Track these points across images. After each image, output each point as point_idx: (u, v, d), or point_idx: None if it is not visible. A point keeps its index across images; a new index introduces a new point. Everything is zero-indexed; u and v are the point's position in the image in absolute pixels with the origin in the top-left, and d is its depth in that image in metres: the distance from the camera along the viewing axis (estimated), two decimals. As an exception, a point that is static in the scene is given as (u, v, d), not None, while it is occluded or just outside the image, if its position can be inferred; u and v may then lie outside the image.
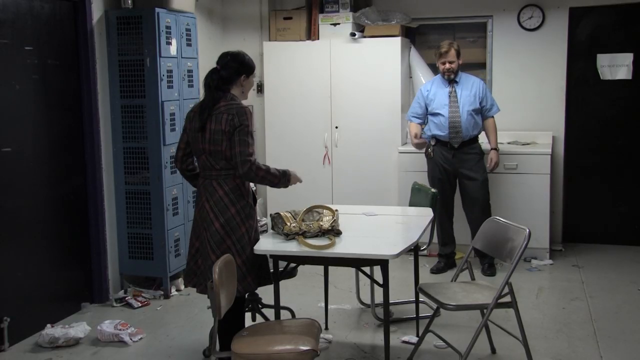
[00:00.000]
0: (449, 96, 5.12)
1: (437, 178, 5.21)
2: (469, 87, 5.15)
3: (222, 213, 3.32)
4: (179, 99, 4.85)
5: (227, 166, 3.33)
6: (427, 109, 5.23)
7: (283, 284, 3.60)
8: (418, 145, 5.35)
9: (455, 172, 5.19)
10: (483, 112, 5.18)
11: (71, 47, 4.50)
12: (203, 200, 3.38)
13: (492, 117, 5.22)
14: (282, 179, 3.43)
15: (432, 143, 5.22)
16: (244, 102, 3.46)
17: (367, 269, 3.65)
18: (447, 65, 5.09)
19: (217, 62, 3.42)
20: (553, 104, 5.92)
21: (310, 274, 4.98)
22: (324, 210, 3.65)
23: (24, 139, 4.13)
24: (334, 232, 3.43)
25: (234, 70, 3.39)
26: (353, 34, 5.84)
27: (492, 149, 5.23)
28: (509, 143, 5.78)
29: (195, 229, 3.46)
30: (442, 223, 5.30)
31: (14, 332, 3.97)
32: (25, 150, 4.13)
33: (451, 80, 5.15)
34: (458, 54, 5.11)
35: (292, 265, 3.58)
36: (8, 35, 3.95)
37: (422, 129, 5.36)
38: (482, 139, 5.29)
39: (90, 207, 4.65)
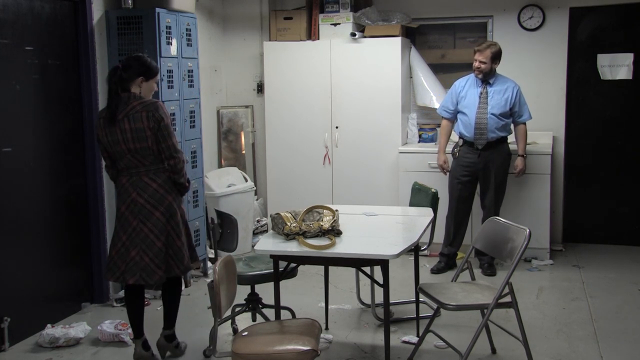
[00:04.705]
0: (480, 96, 5.10)
1: (457, 182, 5.18)
2: (502, 91, 5.09)
3: (160, 203, 3.50)
4: (179, 99, 4.85)
5: (156, 160, 3.49)
6: (457, 104, 5.22)
7: (283, 284, 3.60)
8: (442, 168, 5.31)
9: (477, 174, 5.15)
10: (514, 118, 5.15)
11: (71, 47, 4.50)
12: (134, 195, 3.50)
13: (524, 124, 5.18)
14: (188, 183, 3.65)
15: (460, 144, 5.21)
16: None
17: (367, 269, 3.64)
18: (477, 64, 5.05)
19: (120, 62, 3.58)
20: (553, 104, 5.92)
21: (310, 274, 4.99)
22: (324, 211, 3.65)
23: (24, 139, 4.12)
24: (334, 232, 3.43)
25: (134, 70, 3.52)
26: (353, 34, 5.83)
27: (519, 155, 5.20)
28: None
29: (123, 224, 3.53)
30: (460, 227, 5.27)
31: (14, 332, 3.97)
32: (25, 150, 4.13)
33: (484, 80, 5.12)
34: (494, 57, 5.04)
35: (293, 265, 3.58)
36: (8, 35, 3.95)
37: (452, 127, 5.34)
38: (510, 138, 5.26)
39: (90, 207, 4.65)
